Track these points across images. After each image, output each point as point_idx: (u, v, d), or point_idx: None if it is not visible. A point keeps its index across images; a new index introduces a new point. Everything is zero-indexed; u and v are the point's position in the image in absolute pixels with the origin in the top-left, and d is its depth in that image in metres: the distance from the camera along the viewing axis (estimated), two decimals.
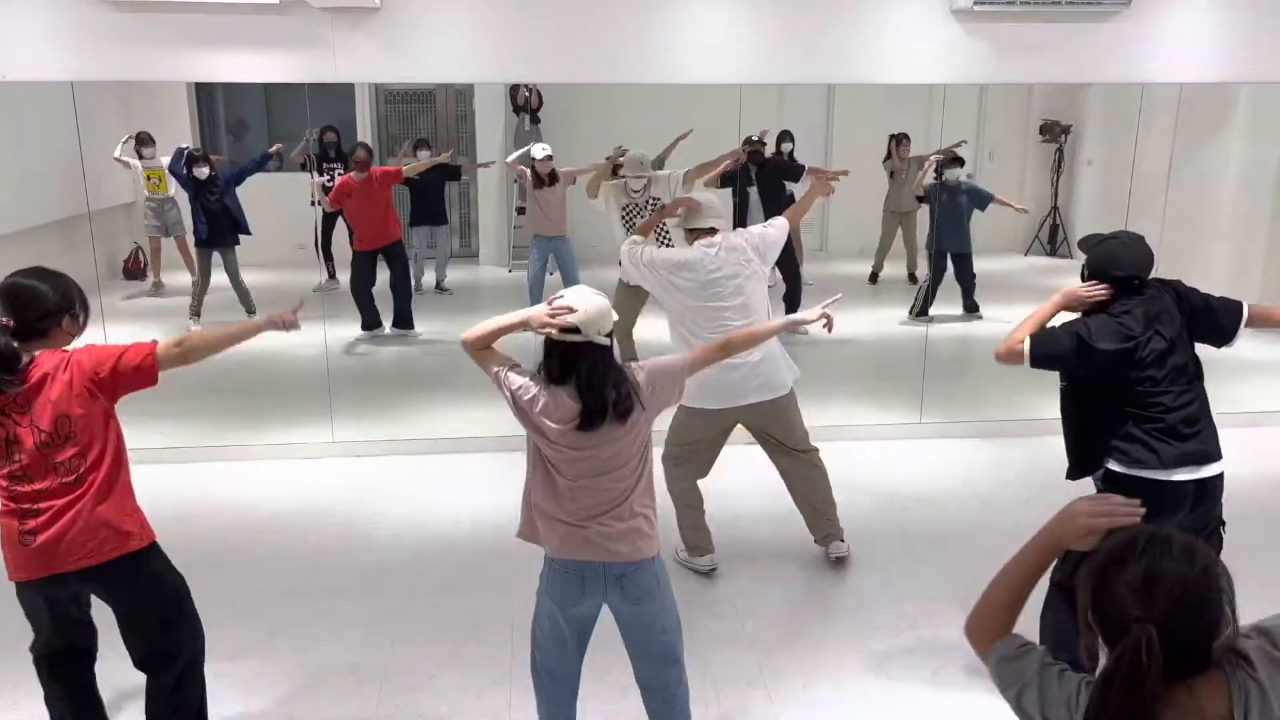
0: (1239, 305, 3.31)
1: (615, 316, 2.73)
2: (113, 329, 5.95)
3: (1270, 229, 7.59)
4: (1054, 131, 8.68)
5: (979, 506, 5.08)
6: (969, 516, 4.94)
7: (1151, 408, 3.16)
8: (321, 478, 5.43)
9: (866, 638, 3.88)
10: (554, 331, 2.63)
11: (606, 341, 2.69)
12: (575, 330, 2.63)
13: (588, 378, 2.63)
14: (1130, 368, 3.16)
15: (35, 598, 2.80)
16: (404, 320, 7.49)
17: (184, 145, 7.16)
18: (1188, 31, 5.65)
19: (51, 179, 6.54)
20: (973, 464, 5.67)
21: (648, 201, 6.40)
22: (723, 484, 5.16)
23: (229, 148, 8.37)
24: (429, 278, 8.17)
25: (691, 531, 4.44)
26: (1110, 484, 3.22)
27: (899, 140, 8.15)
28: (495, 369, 2.78)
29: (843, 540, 4.46)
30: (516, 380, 2.73)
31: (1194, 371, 3.25)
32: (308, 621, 3.99)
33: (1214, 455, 3.19)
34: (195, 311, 7.14)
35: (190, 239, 7.32)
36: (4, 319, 2.65)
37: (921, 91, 6.70)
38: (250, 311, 7.28)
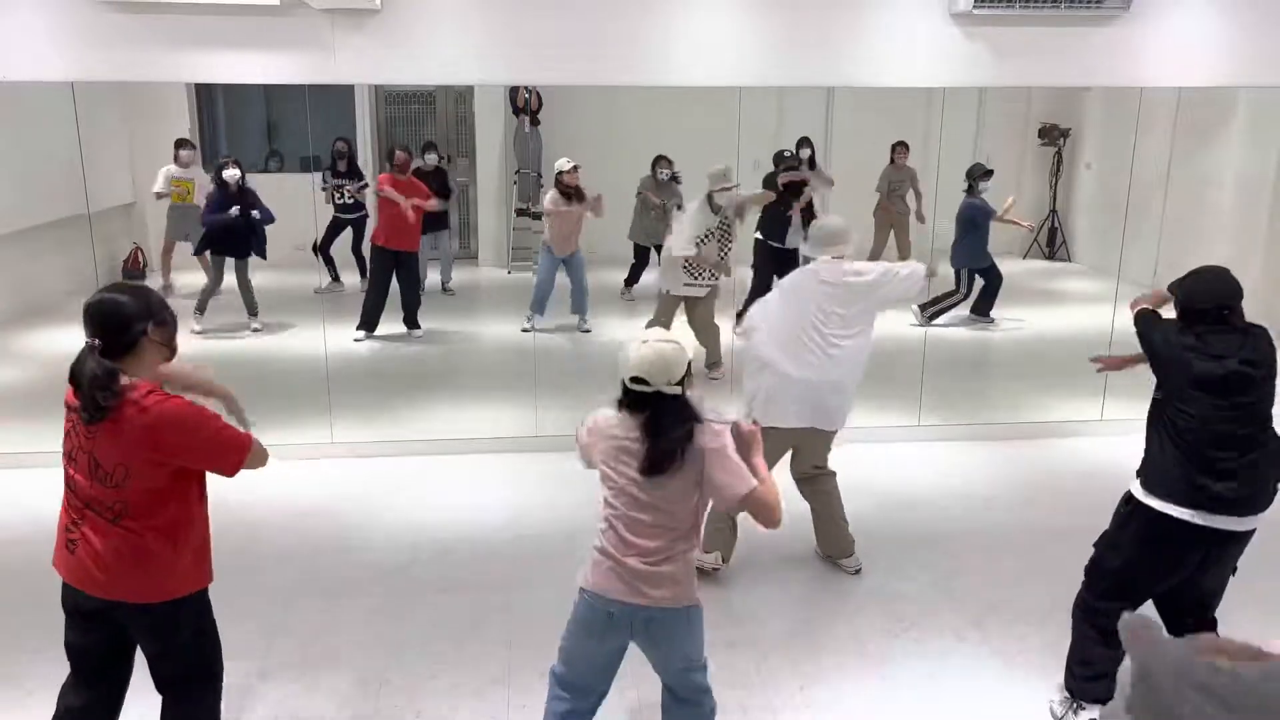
0: None
1: (686, 363, 2.70)
2: None
3: (1268, 232, 7.61)
4: (1053, 135, 8.70)
5: (977, 509, 5.08)
6: (967, 518, 4.95)
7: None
8: (321, 478, 5.43)
9: (864, 639, 3.89)
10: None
11: (677, 390, 2.68)
12: (644, 381, 2.65)
13: (652, 426, 2.64)
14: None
15: (66, 598, 2.76)
16: (413, 321, 7.56)
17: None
18: (1186, 35, 5.66)
19: (51, 179, 6.54)
20: (971, 466, 5.68)
21: (721, 228, 6.45)
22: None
23: (229, 149, 8.38)
24: (433, 279, 8.17)
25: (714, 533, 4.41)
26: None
27: (897, 148, 8.14)
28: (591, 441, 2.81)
29: (854, 554, 4.48)
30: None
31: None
32: (307, 621, 3.99)
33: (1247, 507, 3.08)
34: (200, 309, 7.17)
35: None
36: (92, 340, 2.55)
37: (920, 94, 6.72)
38: (253, 313, 7.33)
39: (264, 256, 7.22)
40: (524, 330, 7.33)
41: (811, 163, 7.86)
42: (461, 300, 8.26)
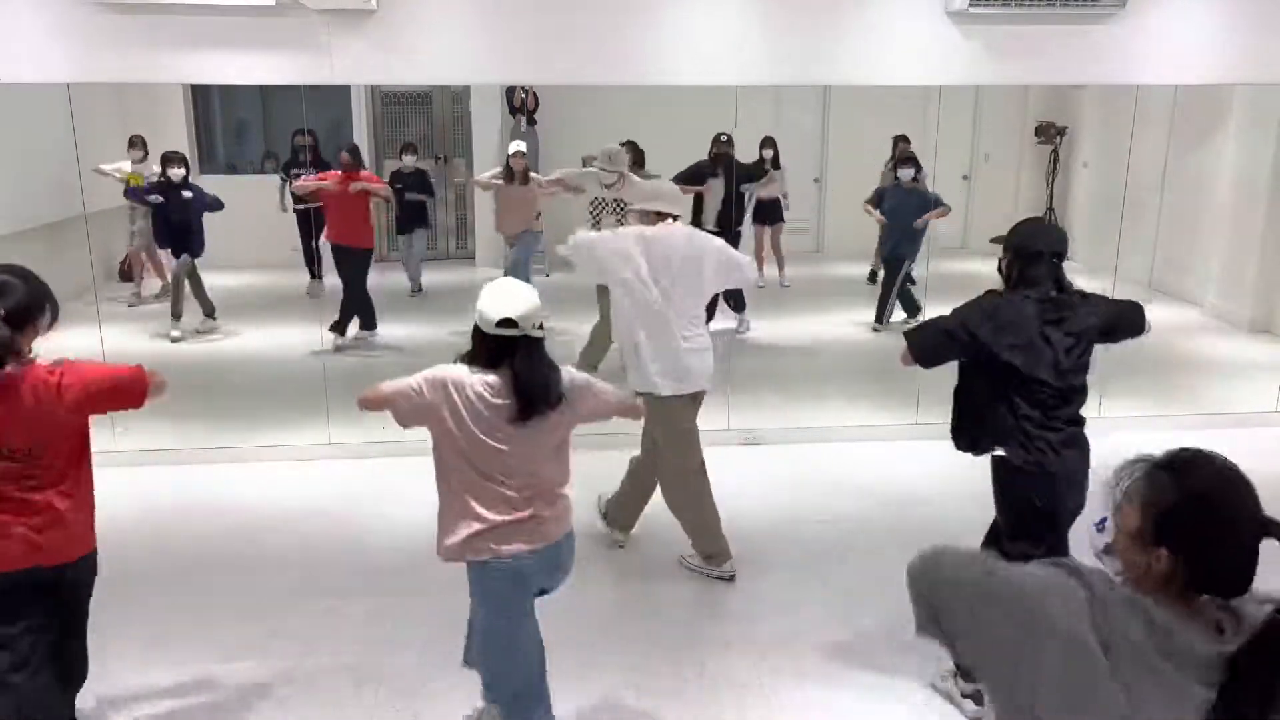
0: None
1: (543, 312, 2.76)
2: (108, 330, 5.97)
3: (1265, 229, 7.61)
4: (1049, 133, 8.71)
5: (975, 507, 5.05)
6: (965, 516, 4.93)
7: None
8: (318, 479, 5.43)
9: (863, 638, 3.89)
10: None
11: (541, 335, 2.73)
12: (512, 324, 2.65)
13: (525, 369, 2.67)
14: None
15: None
16: (340, 326, 7.21)
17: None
18: (1183, 33, 5.66)
19: (47, 181, 6.53)
20: (969, 464, 5.63)
21: (616, 201, 6.40)
22: (716, 486, 5.17)
23: (226, 149, 8.37)
24: (403, 279, 8.05)
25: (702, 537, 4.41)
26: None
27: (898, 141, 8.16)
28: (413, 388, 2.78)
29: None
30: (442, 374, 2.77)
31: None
32: (305, 623, 3.99)
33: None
34: (176, 315, 7.06)
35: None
36: None
37: (917, 93, 6.72)
38: (210, 315, 7.22)
39: (196, 253, 7.06)
40: None
41: (775, 162, 7.88)
42: (459, 300, 8.23)
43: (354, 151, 7.20)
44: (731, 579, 4.32)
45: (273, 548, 4.65)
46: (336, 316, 7.15)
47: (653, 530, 4.74)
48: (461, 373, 2.72)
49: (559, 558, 2.91)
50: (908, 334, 3.37)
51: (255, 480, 5.42)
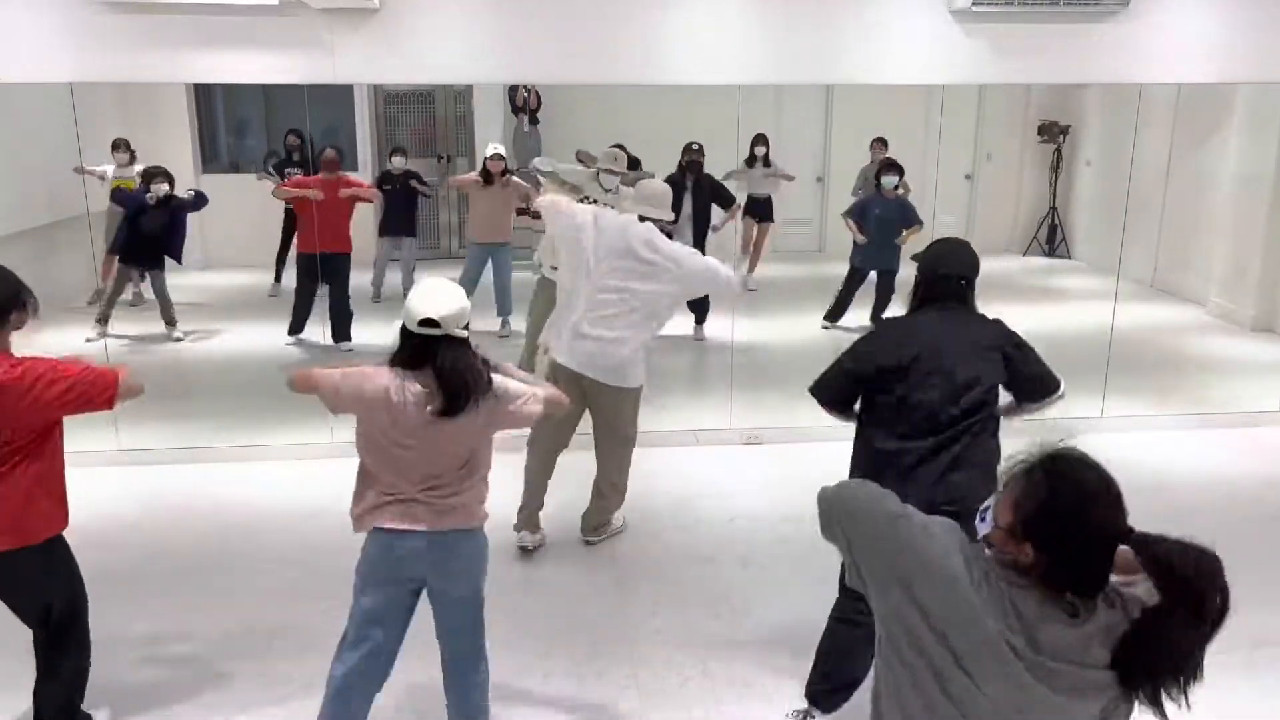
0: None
1: (469, 313, 2.80)
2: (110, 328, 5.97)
3: (1268, 228, 7.60)
4: (1052, 132, 8.70)
5: None
6: None
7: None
8: (319, 478, 5.42)
9: None
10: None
11: (465, 334, 2.77)
12: (435, 324, 2.70)
13: (446, 365, 2.71)
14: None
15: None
16: (341, 333, 7.01)
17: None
18: (1185, 32, 5.65)
19: (49, 181, 6.53)
20: None
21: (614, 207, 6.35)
22: (718, 485, 5.17)
23: (229, 149, 8.37)
24: (394, 283, 7.84)
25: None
26: None
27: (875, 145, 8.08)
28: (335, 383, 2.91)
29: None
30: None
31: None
32: (307, 622, 3.98)
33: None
34: (103, 319, 6.63)
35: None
36: None
37: (919, 92, 6.72)
38: (171, 323, 6.91)
39: (179, 260, 6.81)
40: (500, 336, 7.30)
41: (766, 160, 7.84)
42: None
43: (339, 153, 7.10)
44: (526, 550, 4.49)
45: (273, 547, 4.65)
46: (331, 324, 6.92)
47: (654, 530, 4.74)
48: (384, 371, 2.81)
49: (446, 552, 2.92)
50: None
51: (255, 480, 5.43)
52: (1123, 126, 6.69)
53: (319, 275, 6.83)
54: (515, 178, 7.10)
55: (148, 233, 6.58)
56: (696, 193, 7.22)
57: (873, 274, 7.54)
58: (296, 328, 7.04)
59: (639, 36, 5.38)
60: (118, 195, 6.69)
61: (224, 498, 5.21)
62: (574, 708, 3.44)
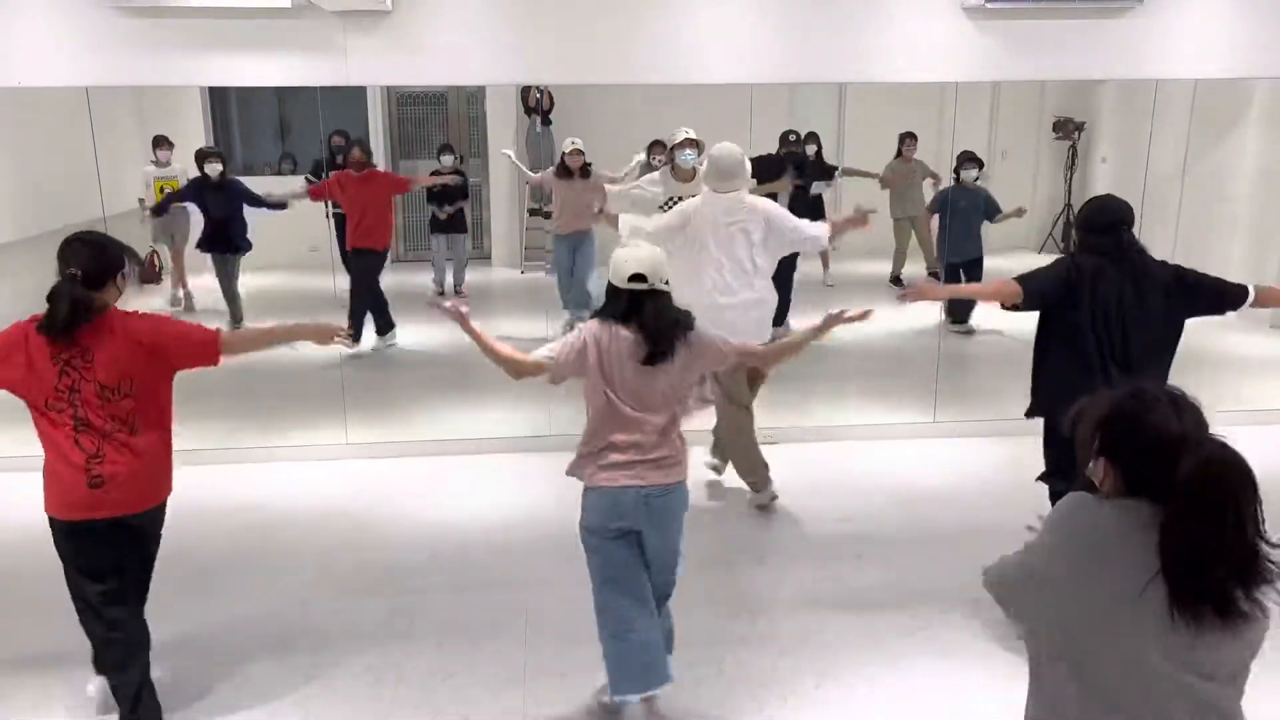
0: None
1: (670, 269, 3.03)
2: None
3: None
4: (1067, 128, 8.65)
5: (992, 505, 5.05)
6: (982, 515, 4.93)
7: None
8: (336, 479, 5.46)
9: (880, 637, 3.87)
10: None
11: (667, 289, 3.01)
12: (641, 279, 2.94)
13: (654, 320, 2.95)
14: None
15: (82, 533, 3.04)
16: (383, 327, 7.26)
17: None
18: (1201, 26, 5.61)
19: (67, 184, 6.58)
20: (986, 463, 5.65)
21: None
22: (736, 481, 5.17)
23: (241, 151, 8.42)
24: (448, 281, 8.11)
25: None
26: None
27: (905, 139, 8.10)
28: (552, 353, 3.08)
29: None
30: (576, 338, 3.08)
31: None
32: (323, 621, 4.01)
33: None
34: (236, 318, 7.05)
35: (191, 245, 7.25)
36: (72, 269, 2.89)
37: (933, 90, 6.69)
38: (237, 321, 7.05)
39: (238, 249, 7.06)
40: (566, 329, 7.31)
41: (818, 157, 7.84)
42: (474, 300, 8.25)
43: (365, 149, 7.17)
44: (773, 500, 4.94)
45: (291, 546, 4.67)
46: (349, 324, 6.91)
47: None
48: (594, 325, 3.05)
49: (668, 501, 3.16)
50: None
51: (273, 480, 5.45)
52: (1138, 123, 6.65)
53: (360, 270, 7.02)
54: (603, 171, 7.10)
55: (217, 217, 6.95)
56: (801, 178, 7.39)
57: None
58: (385, 327, 7.28)
59: (651, 37, 5.38)
60: (171, 197, 6.93)
61: (242, 497, 5.24)
62: (590, 704, 3.44)
